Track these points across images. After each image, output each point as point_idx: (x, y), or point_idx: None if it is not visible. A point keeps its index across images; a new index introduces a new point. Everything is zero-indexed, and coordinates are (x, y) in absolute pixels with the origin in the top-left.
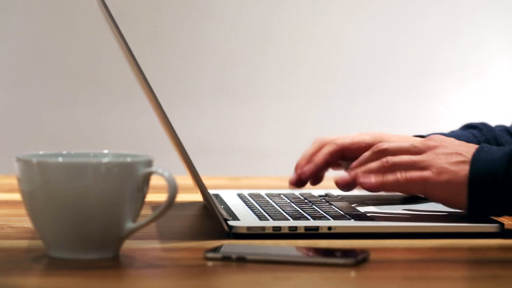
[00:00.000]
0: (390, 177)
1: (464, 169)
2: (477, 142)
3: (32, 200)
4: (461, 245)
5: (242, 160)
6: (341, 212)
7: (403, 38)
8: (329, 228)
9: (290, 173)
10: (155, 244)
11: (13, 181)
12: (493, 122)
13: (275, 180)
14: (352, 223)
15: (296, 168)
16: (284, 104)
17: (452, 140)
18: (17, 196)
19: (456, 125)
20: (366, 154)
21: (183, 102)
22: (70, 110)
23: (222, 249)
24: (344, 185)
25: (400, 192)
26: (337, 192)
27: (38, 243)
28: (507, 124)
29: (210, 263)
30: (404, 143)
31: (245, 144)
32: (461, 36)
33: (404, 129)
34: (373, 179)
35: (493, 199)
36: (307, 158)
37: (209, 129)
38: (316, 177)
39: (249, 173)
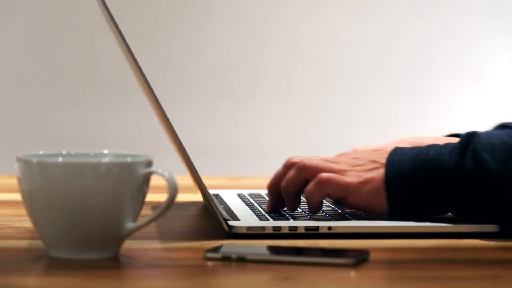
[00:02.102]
0: (312, 183)
1: (380, 173)
2: None
3: (32, 200)
4: (461, 245)
5: (242, 160)
6: (341, 212)
7: (403, 38)
8: (329, 228)
9: None
10: (155, 244)
11: (13, 181)
12: (493, 122)
13: None
14: (352, 223)
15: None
16: (284, 104)
17: (361, 151)
18: (17, 196)
19: (456, 125)
20: (279, 170)
21: (183, 102)
22: (70, 110)
23: (222, 249)
24: (272, 209)
25: (322, 196)
26: None
27: (38, 243)
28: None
29: (210, 263)
30: (315, 159)
31: (245, 144)
32: (461, 36)
33: (404, 129)
34: (295, 179)
35: (413, 200)
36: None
37: (209, 129)
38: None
39: (249, 173)
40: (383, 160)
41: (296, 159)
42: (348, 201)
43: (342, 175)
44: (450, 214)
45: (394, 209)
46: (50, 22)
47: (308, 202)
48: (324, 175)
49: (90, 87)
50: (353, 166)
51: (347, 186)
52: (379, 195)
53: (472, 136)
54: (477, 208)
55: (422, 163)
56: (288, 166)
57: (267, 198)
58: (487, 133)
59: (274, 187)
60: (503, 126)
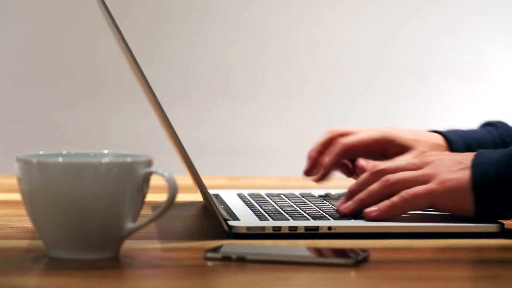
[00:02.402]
0: (395, 198)
1: (466, 174)
2: (492, 139)
3: (32, 200)
4: (461, 245)
5: (242, 160)
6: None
7: (403, 38)
8: (329, 228)
9: (290, 173)
10: (155, 244)
11: (13, 181)
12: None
13: (275, 180)
14: (352, 223)
15: (308, 158)
16: (284, 104)
17: (447, 153)
18: (17, 196)
19: (456, 125)
20: (364, 176)
21: (183, 102)
22: (71, 110)
23: (222, 249)
24: (349, 213)
25: (409, 210)
26: (337, 192)
27: (38, 243)
28: None
29: (210, 263)
30: (401, 162)
31: (245, 144)
32: (461, 36)
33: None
34: (380, 205)
35: (499, 201)
36: (318, 148)
37: (209, 129)
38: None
39: (249, 173)
40: (469, 162)
41: (382, 166)
42: (436, 207)
43: (428, 180)
44: None
45: (480, 210)
46: (50, 22)
47: (385, 213)
48: (408, 193)
49: (90, 87)
50: (439, 168)
51: (430, 194)
52: (465, 196)
53: None
54: None
55: (506, 165)
56: (374, 173)
57: (269, 199)
58: (469, 130)
59: (357, 192)
60: (486, 124)
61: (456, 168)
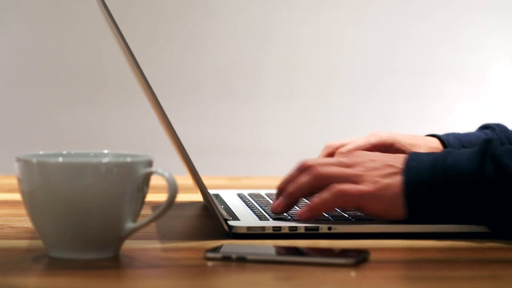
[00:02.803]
0: (325, 195)
1: (397, 180)
2: None
3: (32, 200)
4: (461, 245)
5: (242, 160)
6: (341, 212)
7: (404, 38)
8: (329, 228)
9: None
10: (155, 244)
11: (13, 181)
12: (493, 122)
13: (275, 180)
14: (352, 223)
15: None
16: (284, 104)
17: (377, 153)
18: (17, 196)
19: (456, 125)
20: (292, 172)
21: (183, 102)
22: (71, 110)
23: (222, 249)
24: (281, 210)
25: (338, 207)
26: None
27: (38, 243)
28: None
29: (210, 263)
30: (330, 159)
31: (245, 144)
32: (461, 36)
33: (405, 129)
34: (309, 204)
35: (431, 206)
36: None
37: (209, 129)
38: None
39: (249, 173)
40: (400, 165)
41: (310, 162)
42: (365, 210)
43: (358, 181)
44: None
45: (413, 216)
46: (50, 22)
47: (314, 210)
48: (338, 187)
49: (90, 87)
50: (369, 170)
51: (361, 195)
52: (397, 202)
53: (490, 142)
54: (498, 213)
55: (441, 169)
56: (302, 169)
57: (269, 199)
58: (466, 133)
59: (283, 190)
60: (483, 127)
61: (387, 171)
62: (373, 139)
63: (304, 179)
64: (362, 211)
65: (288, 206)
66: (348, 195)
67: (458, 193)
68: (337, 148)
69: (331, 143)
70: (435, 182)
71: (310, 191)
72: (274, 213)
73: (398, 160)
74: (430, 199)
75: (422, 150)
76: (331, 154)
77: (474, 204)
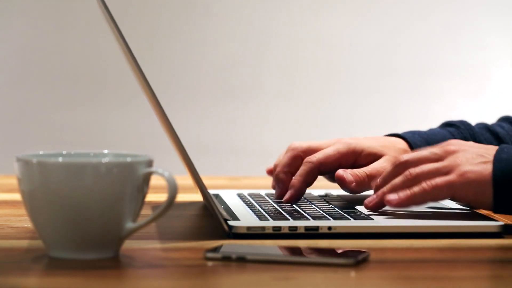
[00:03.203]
0: (416, 189)
1: (487, 169)
2: None
3: (32, 200)
4: (461, 245)
5: (242, 160)
6: (341, 212)
7: (404, 38)
8: (329, 228)
9: None
10: (155, 244)
11: (13, 181)
12: (457, 119)
13: None
14: (352, 223)
15: (277, 182)
16: (284, 104)
17: (471, 143)
18: (17, 196)
19: None
20: (388, 169)
21: (183, 102)
22: (71, 110)
23: (222, 249)
24: (374, 207)
25: (429, 201)
26: (337, 192)
27: (38, 243)
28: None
29: (210, 263)
30: (424, 152)
31: (246, 144)
32: (462, 36)
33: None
34: (400, 194)
35: None
36: (285, 169)
37: (209, 129)
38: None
39: (249, 173)
40: (490, 157)
41: (405, 158)
42: (456, 198)
43: (448, 171)
44: None
45: (499, 206)
46: (50, 22)
47: (402, 203)
48: (428, 184)
49: (90, 87)
50: (461, 160)
51: (450, 186)
52: (486, 190)
53: None
54: None
55: None
56: (398, 166)
57: (269, 199)
58: (430, 131)
59: (381, 186)
60: (447, 125)
61: (477, 160)
62: (341, 147)
63: (398, 180)
64: (454, 199)
65: (380, 205)
66: (438, 189)
67: None
68: (302, 152)
69: (296, 144)
70: None
71: (403, 188)
72: (367, 209)
73: (489, 151)
74: None
75: (393, 151)
76: (296, 157)
77: None
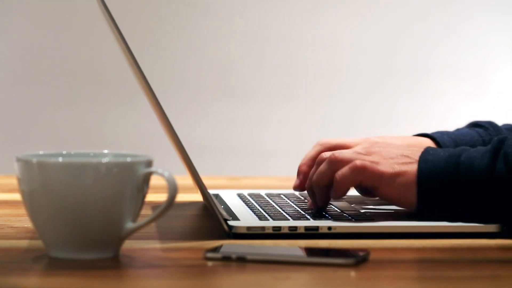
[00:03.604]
0: (345, 169)
1: (413, 168)
2: (482, 141)
3: (32, 200)
4: (461, 245)
5: (242, 160)
6: (341, 212)
7: (404, 39)
8: (329, 228)
9: (290, 173)
10: (155, 244)
11: (13, 181)
12: (484, 120)
13: (275, 180)
14: (352, 223)
15: (298, 173)
16: (284, 104)
17: (394, 144)
18: (17, 196)
19: (457, 125)
20: (313, 168)
21: (183, 102)
22: (71, 110)
23: (222, 249)
24: (316, 205)
25: (356, 183)
26: None
27: (38, 243)
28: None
29: (210, 263)
30: (347, 151)
31: (245, 144)
32: (462, 36)
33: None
34: (333, 182)
35: (442, 199)
36: (308, 163)
37: (209, 129)
38: None
39: (249, 173)
40: (416, 157)
41: (327, 154)
42: (380, 191)
43: (376, 164)
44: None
45: (423, 206)
46: (50, 22)
47: (337, 186)
48: (359, 162)
49: (90, 87)
50: (385, 159)
51: (381, 175)
52: (410, 189)
53: (504, 140)
54: (506, 212)
55: (454, 165)
56: (319, 162)
57: (269, 199)
58: (458, 132)
59: (310, 186)
60: (474, 125)
61: (402, 161)
62: (368, 144)
63: (322, 167)
64: (377, 192)
65: (319, 197)
66: (369, 171)
67: (469, 189)
68: (330, 148)
69: (324, 140)
70: (448, 177)
71: (330, 177)
72: (314, 212)
73: (413, 152)
74: (442, 192)
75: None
76: (321, 152)
77: (485, 202)
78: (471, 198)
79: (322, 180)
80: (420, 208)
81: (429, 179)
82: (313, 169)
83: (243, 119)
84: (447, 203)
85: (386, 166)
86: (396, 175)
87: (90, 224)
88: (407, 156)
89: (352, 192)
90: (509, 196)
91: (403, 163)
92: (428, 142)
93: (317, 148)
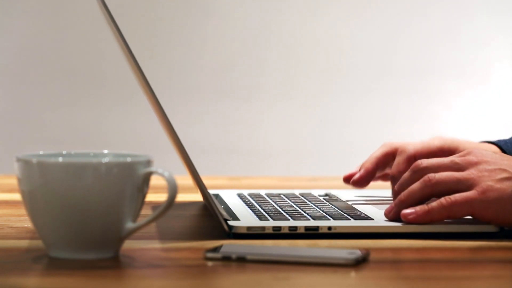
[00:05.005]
0: (434, 205)
1: (510, 186)
2: None
3: (32, 200)
4: (461, 245)
5: (242, 160)
6: (341, 212)
7: (404, 38)
8: (329, 228)
9: (290, 173)
10: (155, 244)
11: (13, 181)
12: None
13: (275, 180)
14: (352, 223)
15: (361, 168)
16: (284, 104)
17: (492, 154)
18: (17, 196)
19: (456, 126)
20: (406, 175)
21: (183, 102)
22: (70, 110)
23: (222, 249)
24: (393, 217)
25: (447, 218)
26: (337, 192)
27: (38, 243)
28: None
29: (210, 263)
30: (444, 159)
31: (245, 144)
32: (462, 36)
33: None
34: (417, 209)
35: None
36: (374, 161)
37: (209, 129)
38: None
39: (249, 173)
40: None
41: (424, 164)
42: (476, 216)
43: (469, 185)
44: None
45: None
46: (50, 22)
47: (418, 218)
48: (447, 200)
49: (90, 87)
50: (481, 173)
51: (470, 203)
52: (506, 208)
53: None
54: None
55: None
56: (415, 170)
57: (269, 199)
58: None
59: (399, 192)
60: None
61: (500, 176)
62: (437, 141)
63: (416, 187)
64: (474, 216)
65: (399, 213)
66: (457, 206)
67: None
68: (395, 149)
69: (390, 143)
70: None
71: (421, 198)
72: (387, 218)
73: (510, 164)
74: None
75: None
76: (388, 154)
77: None
78: None
79: (413, 201)
80: None
81: None
82: (406, 177)
83: (244, 119)
84: None
85: (481, 186)
86: (490, 195)
87: (90, 224)
88: (505, 170)
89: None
90: None
91: (499, 180)
92: (494, 148)
93: (382, 150)
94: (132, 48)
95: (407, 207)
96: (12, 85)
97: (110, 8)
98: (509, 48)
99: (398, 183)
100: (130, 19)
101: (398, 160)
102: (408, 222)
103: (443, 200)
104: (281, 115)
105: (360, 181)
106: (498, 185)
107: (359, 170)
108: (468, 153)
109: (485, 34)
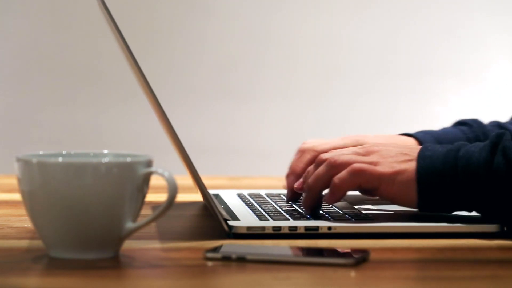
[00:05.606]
0: (344, 173)
1: (412, 166)
2: (466, 139)
3: (32, 200)
4: (461, 245)
5: (242, 160)
6: (341, 212)
7: (403, 38)
8: (329, 228)
9: None
10: (155, 244)
11: (13, 181)
12: (469, 118)
13: (275, 180)
14: (352, 223)
15: (287, 185)
16: (284, 104)
17: (392, 143)
18: (17, 196)
19: None
20: (309, 168)
21: (183, 102)
22: (70, 110)
23: (222, 249)
24: (309, 205)
25: (355, 186)
26: None
27: (38, 243)
28: (503, 120)
29: (210, 263)
30: (345, 150)
31: (245, 144)
32: (461, 36)
33: (404, 129)
34: (331, 186)
35: (442, 195)
36: (293, 171)
37: (209, 129)
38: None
39: (249, 173)
40: (415, 154)
41: (326, 156)
42: (380, 191)
43: (375, 166)
44: (475, 212)
45: (423, 203)
46: (50, 22)
47: (335, 191)
48: (357, 165)
49: (90, 87)
50: (384, 158)
51: (380, 176)
52: (410, 187)
53: (502, 135)
54: (504, 206)
55: (452, 160)
56: (318, 163)
57: (269, 199)
58: (442, 130)
59: (303, 187)
60: (459, 123)
61: (402, 159)
62: (348, 140)
63: (320, 170)
64: (377, 192)
65: (313, 200)
66: (367, 174)
67: (468, 184)
68: (312, 147)
69: (302, 146)
70: (447, 172)
71: (328, 180)
72: (306, 212)
73: (413, 150)
74: (442, 188)
75: None
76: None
77: (484, 196)
78: (471, 192)
79: (320, 184)
80: (420, 205)
81: (428, 176)
82: (309, 170)
83: (244, 119)
84: (447, 199)
85: (385, 166)
86: (396, 174)
87: (90, 224)
88: (406, 154)
89: (352, 192)
90: (507, 190)
91: (402, 161)
92: (412, 142)
93: (298, 155)
94: (132, 48)
95: (318, 192)
96: (12, 85)
97: (110, 8)
98: (507, 47)
99: (303, 176)
100: (130, 19)
101: (301, 158)
102: (330, 202)
103: (352, 167)
104: (281, 115)
105: (291, 199)
106: (402, 166)
107: (287, 187)
108: (370, 145)
109: (483, 34)
